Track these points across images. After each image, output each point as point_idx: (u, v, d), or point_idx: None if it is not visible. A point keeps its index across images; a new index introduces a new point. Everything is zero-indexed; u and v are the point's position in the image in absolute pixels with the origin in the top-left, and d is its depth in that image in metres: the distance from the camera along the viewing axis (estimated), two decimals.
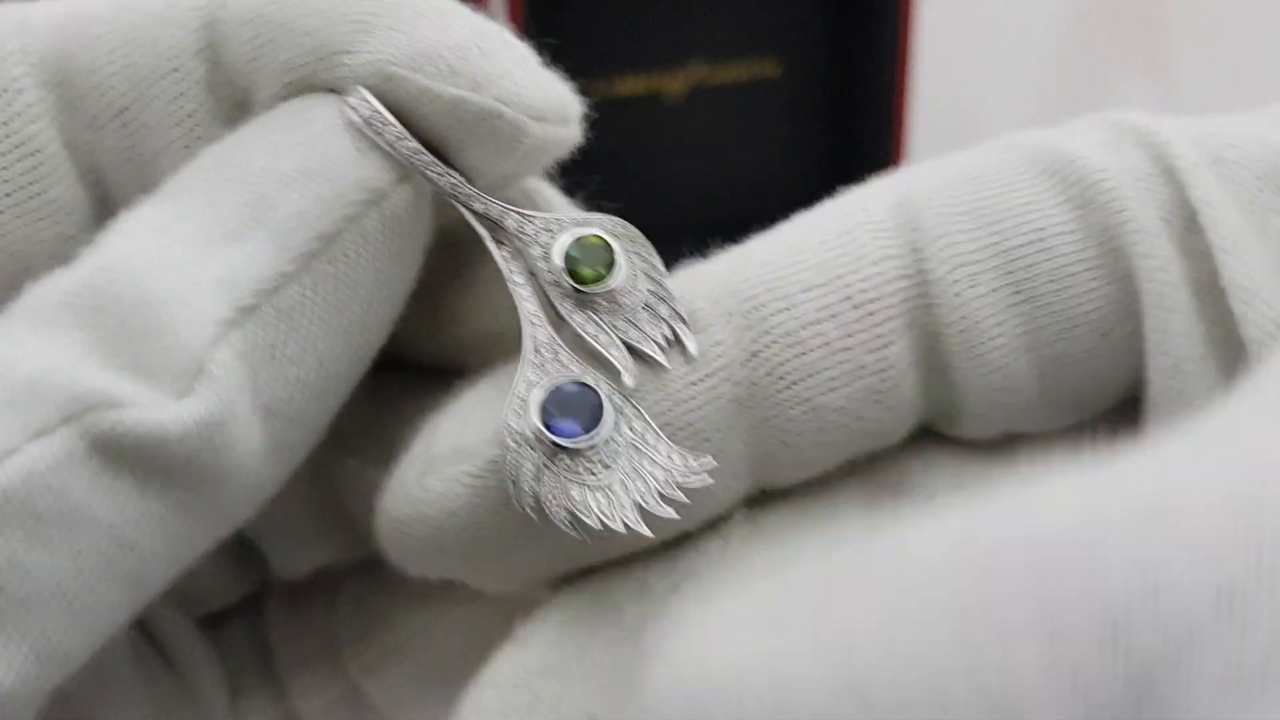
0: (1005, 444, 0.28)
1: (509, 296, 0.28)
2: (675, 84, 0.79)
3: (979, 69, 0.87)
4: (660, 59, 0.78)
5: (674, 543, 0.26)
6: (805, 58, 0.80)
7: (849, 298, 0.25)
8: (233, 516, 0.25)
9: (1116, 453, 0.20)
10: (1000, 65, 0.89)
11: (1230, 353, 0.24)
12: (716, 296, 0.25)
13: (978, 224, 0.25)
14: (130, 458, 0.23)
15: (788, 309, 0.25)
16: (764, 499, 0.27)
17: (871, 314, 0.25)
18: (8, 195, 0.26)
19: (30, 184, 0.26)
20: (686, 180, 0.80)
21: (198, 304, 0.23)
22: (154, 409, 0.22)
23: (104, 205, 0.27)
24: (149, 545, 0.23)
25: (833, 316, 0.25)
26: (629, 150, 0.78)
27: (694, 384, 0.25)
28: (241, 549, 0.34)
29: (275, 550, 0.34)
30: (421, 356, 0.29)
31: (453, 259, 0.28)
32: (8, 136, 0.26)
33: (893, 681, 0.18)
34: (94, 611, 0.23)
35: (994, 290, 0.25)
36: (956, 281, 0.25)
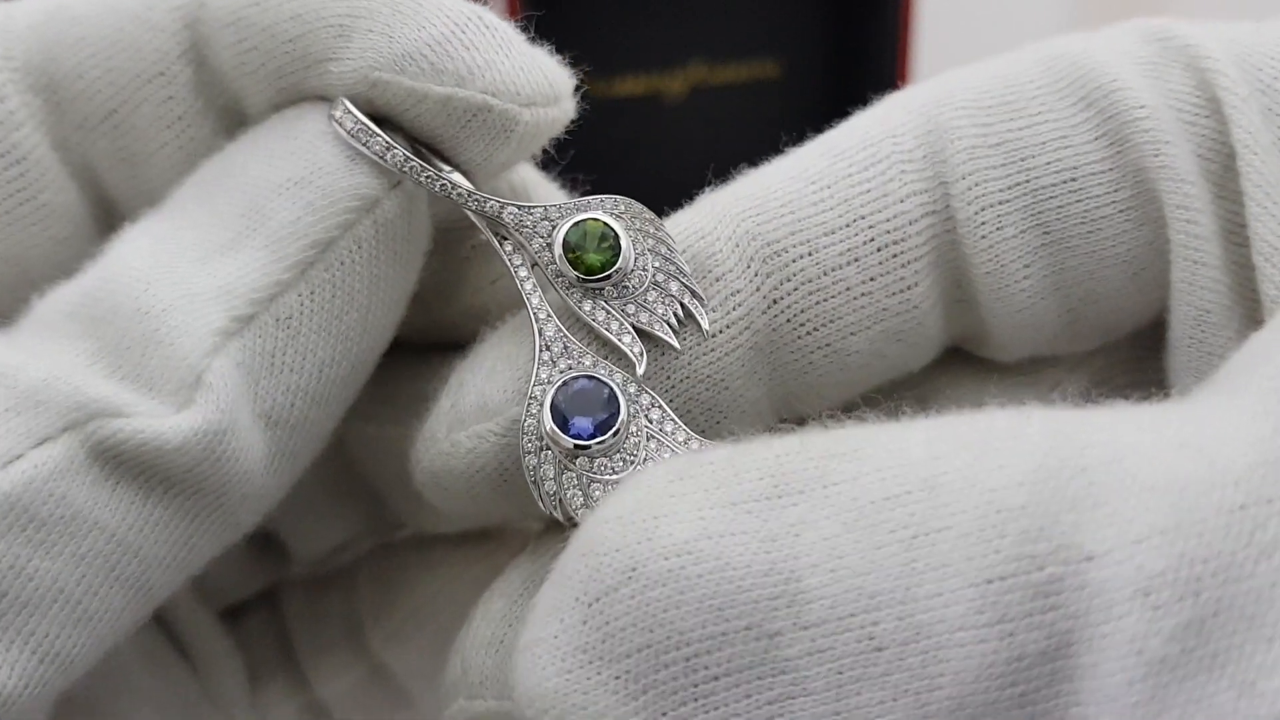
0: (1031, 365, 0.28)
1: (491, 272, 0.28)
2: (675, 84, 0.79)
3: None
4: (660, 59, 0.78)
5: None
6: (805, 58, 0.80)
7: (872, 240, 0.25)
8: (237, 523, 0.25)
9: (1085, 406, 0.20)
10: None
11: (1255, 301, 0.24)
12: (737, 240, 0.25)
13: (1008, 159, 0.24)
14: (131, 466, 0.23)
15: (809, 254, 0.25)
16: None
17: (895, 256, 0.25)
18: None
19: (19, 190, 0.26)
20: (686, 180, 0.80)
21: (196, 315, 0.23)
22: (154, 419, 0.23)
23: (102, 205, 0.28)
24: (152, 551, 0.24)
25: (855, 260, 0.25)
26: (629, 150, 0.77)
27: (713, 335, 0.25)
28: (259, 540, 0.34)
29: (295, 533, 0.34)
30: (415, 336, 0.29)
31: (433, 242, 0.28)
32: None
33: (830, 587, 0.19)
34: (97, 615, 0.23)
35: (1022, 232, 0.25)
36: (984, 224, 0.25)
